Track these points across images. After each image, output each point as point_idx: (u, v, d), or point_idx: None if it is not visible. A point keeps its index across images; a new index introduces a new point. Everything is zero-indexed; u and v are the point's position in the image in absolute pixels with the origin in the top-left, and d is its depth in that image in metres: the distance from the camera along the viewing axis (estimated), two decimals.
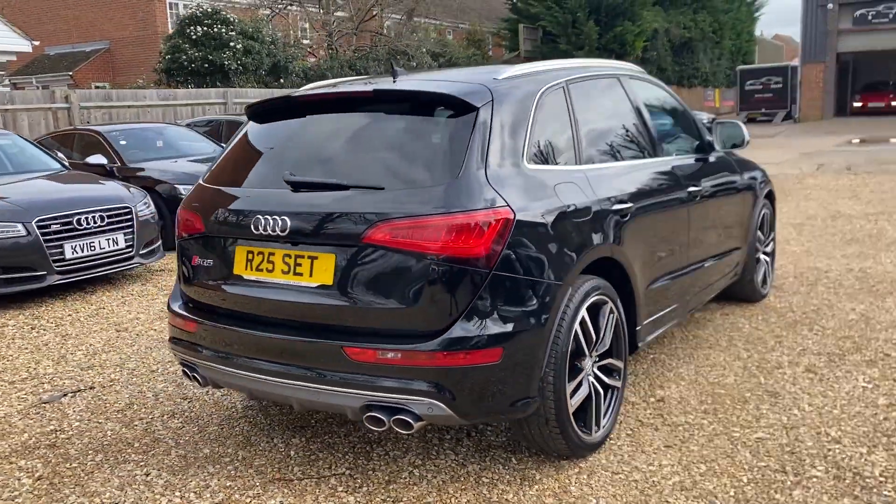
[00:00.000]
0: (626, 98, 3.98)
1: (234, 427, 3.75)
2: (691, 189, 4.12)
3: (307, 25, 27.04)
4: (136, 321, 5.75)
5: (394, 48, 20.66)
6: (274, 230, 2.96)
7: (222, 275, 3.20)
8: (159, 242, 7.44)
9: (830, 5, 29.17)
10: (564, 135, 3.37)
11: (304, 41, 26.36)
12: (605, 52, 29.77)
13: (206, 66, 19.81)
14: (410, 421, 2.75)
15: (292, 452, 3.43)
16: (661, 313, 3.86)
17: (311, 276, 2.92)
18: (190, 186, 4.06)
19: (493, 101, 3.03)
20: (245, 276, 3.11)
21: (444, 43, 28.17)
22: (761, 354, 4.38)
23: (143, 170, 8.94)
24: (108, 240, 6.76)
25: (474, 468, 3.19)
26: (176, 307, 3.43)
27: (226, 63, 19.67)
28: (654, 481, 2.99)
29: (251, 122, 3.54)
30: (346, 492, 3.05)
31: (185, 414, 3.96)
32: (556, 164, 3.27)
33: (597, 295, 3.14)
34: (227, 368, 3.15)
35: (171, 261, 7.78)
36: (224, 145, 4.72)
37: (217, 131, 12.17)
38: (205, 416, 3.90)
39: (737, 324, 4.97)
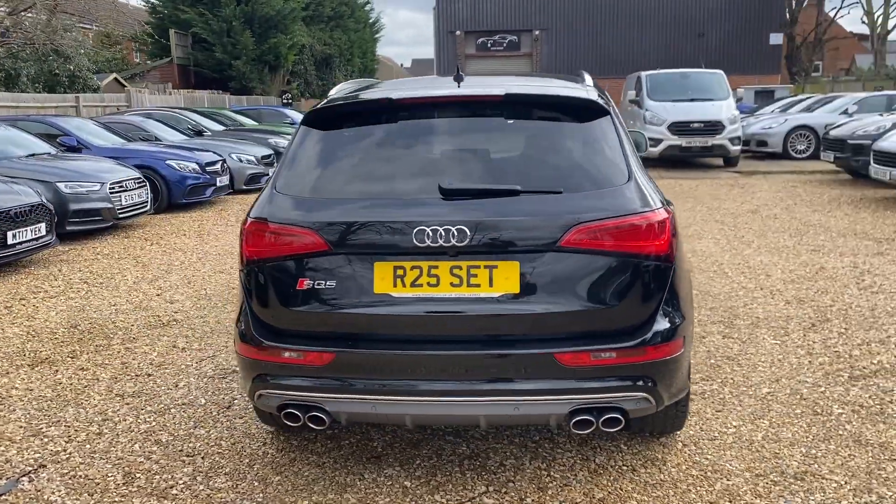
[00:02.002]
0: None
1: (341, 471, 3.30)
2: None
3: None
4: None
5: (49, 48, 17.99)
6: (437, 242, 2.75)
7: (357, 295, 2.84)
8: None
9: (458, 32, 32.91)
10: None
11: None
12: (260, 62, 29.55)
13: None
14: (620, 417, 2.81)
15: (408, 484, 3.17)
16: None
17: (490, 286, 2.78)
18: None
19: (611, 105, 3.20)
20: (394, 295, 2.81)
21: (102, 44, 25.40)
22: None
23: None
24: None
25: (601, 460, 3.31)
26: (278, 341, 2.92)
27: None
28: (745, 440, 3.46)
29: (335, 125, 3.16)
30: None
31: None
32: None
33: None
34: (381, 398, 2.83)
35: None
36: None
37: None
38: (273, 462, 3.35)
39: None
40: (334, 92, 3.53)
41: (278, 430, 3.68)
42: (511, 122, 3.09)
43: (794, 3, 35.60)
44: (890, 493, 3.00)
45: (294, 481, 3.23)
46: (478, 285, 2.79)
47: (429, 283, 2.81)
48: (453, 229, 2.75)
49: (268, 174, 13.86)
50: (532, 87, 3.35)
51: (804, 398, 3.93)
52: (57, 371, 4.66)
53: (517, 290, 2.77)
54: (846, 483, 3.08)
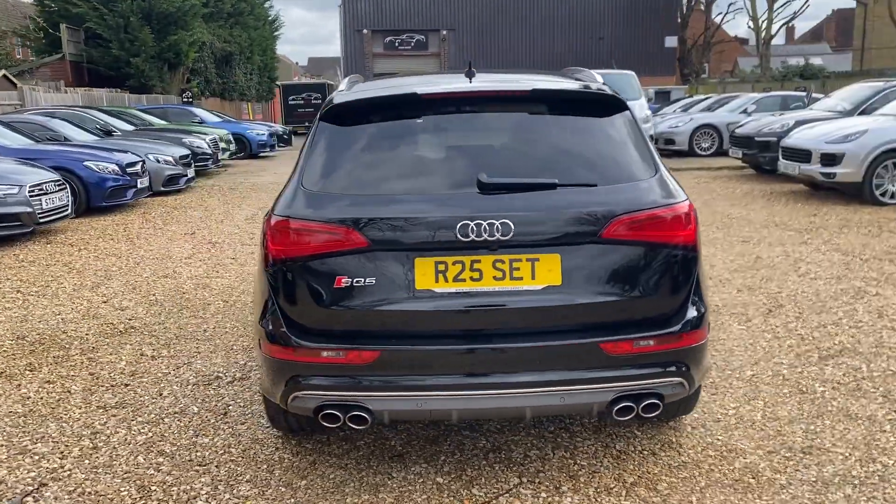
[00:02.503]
0: None
1: (366, 473, 3.23)
2: None
3: None
4: None
5: None
6: (481, 236, 2.76)
7: (399, 292, 2.81)
8: None
9: (365, 31, 32.73)
10: None
11: None
12: (160, 59, 28.39)
13: None
14: (658, 403, 2.90)
15: (440, 480, 3.16)
16: None
17: (533, 278, 2.81)
18: None
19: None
20: (437, 290, 2.81)
21: None
22: None
23: None
24: None
25: (620, 446, 3.41)
26: (315, 341, 2.85)
27: None
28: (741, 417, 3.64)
29: (361, 121, 3.12)
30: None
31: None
32: None
33: None
34: (427, 394, 2.81)
35: None
36: None
37: None
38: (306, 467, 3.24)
39: None
40: (346, 88, 3.46)
41: (287, 434, 3.59)
42: (539, 116, 3.13)
43: (684, 7, 37.31)
44: (891, 462, 3.22)
45: (322, 484, 3.16)
46: (520, 278, 2.81)
47: (472, 278, 2.81)
48: (497, 223, 2.76)
49: (186, 175, 13.40)
50: (551, 83, 3.39)
51: (786, 378, 4.16)
52: (20, 385, 4.36)
53: (559, 282, 2.81)
54: (850, 454, 3.29)
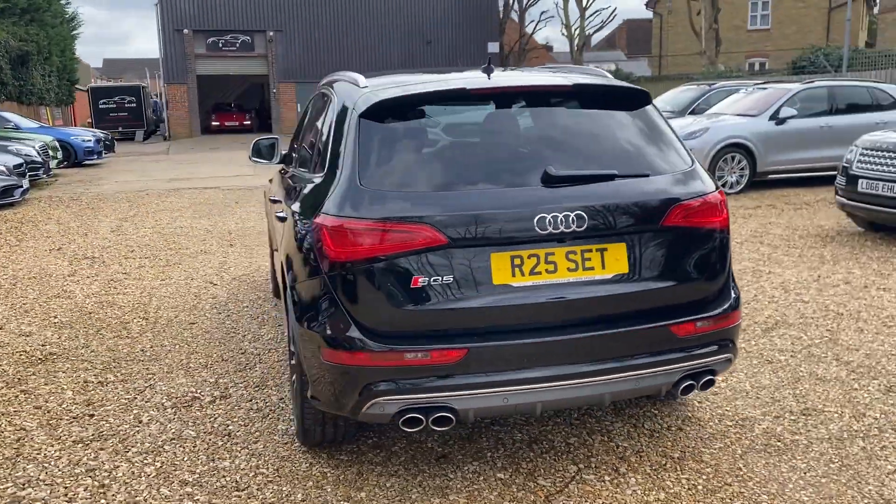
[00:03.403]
0: None
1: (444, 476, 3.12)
2: None
3: None
4: None
5: None
6: (558, 228, 2.81)
7: (477, 288, 2.79)
8: None
9: (186, 31, 31.08)
10: None
11: None
12: None
13: None
14: (713, 378, 3.09)
15: (502, 476, 3.16)
16: None
17: (603, 268, 2.90)
18: None
19: None
20: (514, 284, 2.81)
21: None
22: None
23: None
24: None
25: (649, 426, 3.58)
26: (394, 344, 2.75)
27: None
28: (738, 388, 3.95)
29: (407, 117, 3.05)
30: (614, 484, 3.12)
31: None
32: None
33: None
34: (513, 389, 2.81)
35: None
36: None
37: None
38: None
39: None
40: (378, 87, 3.31)
41: (311, 448, 3.41)
42: (581, 110, 3.21)
43: (500, 14, 38.98)
44: (878, 415, 3.65)
45: (385, 494, 3.05)
46: (592, 268, 2.89)
47: (547, 270, 2.85)
48: (571, 215, 2.82)
49: (22, 186, 12.11)
50: (587, 77, 3.47)
51: (748, 351, 4.55)
52: None
53: (626, 270, 2.92)
54: (843, 412, 3.68)
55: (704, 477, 3.11)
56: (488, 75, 3.36)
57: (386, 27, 32.93)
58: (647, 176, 3.04)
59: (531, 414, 3.55)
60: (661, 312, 2.98)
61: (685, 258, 3.02)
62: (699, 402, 3.82)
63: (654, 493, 3.00)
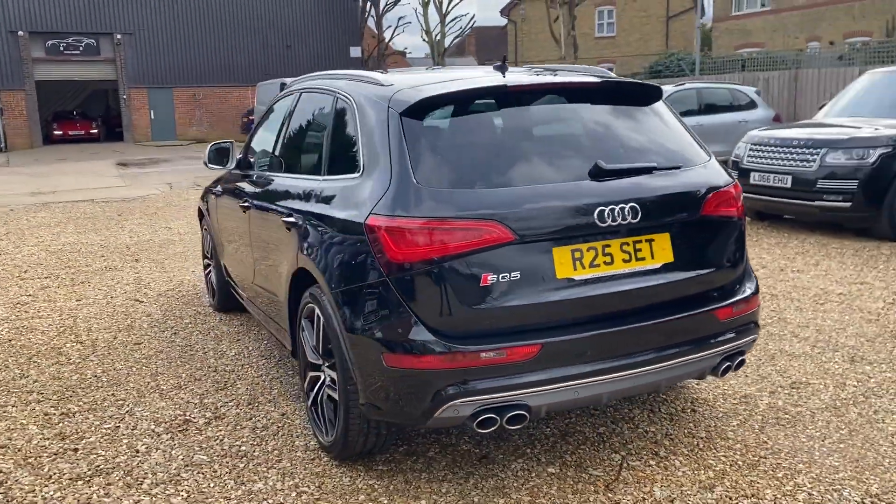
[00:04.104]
0: None
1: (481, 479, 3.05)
2: None
3: None
4: None
5: None
6: (616, 220, 2.87)
7: (542, 283, 2.80)
8: None
9: (21, 33, 28.62)
10: None
11: None
12: None
13: None
14: (744, 359, 3.26)
15: (552, 470, 3.18)
16: None
17: (652, 258, 2.99)
18: None
19: None
20: (576, 278, 2.85)
21: None
22: None
23: None
24: None
25: (666, 410, 3.72)
26: (469, 344, 2.70)
27: None
28: None
29: (451, 114, 3.01)
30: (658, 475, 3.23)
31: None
32: None
33: None
34: (583, 382, 2.83)
35: None
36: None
37: None
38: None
39: None
40: (410, 85, 3.21)
41: (344, 460, 3.28)
42: (609, 106, 3.28)
43: (359, 18, 38.85)
44: (856, 383, 3.98)
45: (446, 498, 2.98)
46: (643, 259, 2.97)
47: (604, 263, 2.90)
48: (626, 207, 2.89)
49: None
50: (608, 75, 3.54)
51: None
52: None
53: (672, 259, 3.02)
54: (826, 383, 3.99)
55: (739, 453, 3.27)
56: (503, 73, 3.38)
57: (245, 30, 31.90)
58: (680, 168, 3.16)
59: (597, 405, 3.59)
60: (704, 298, 3.11)
61: (718, 245, 3.17)
62: (696, 385, 4.01)
63: (702, 472, 3.12)
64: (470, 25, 37.81)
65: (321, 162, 3.52)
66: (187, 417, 3.85)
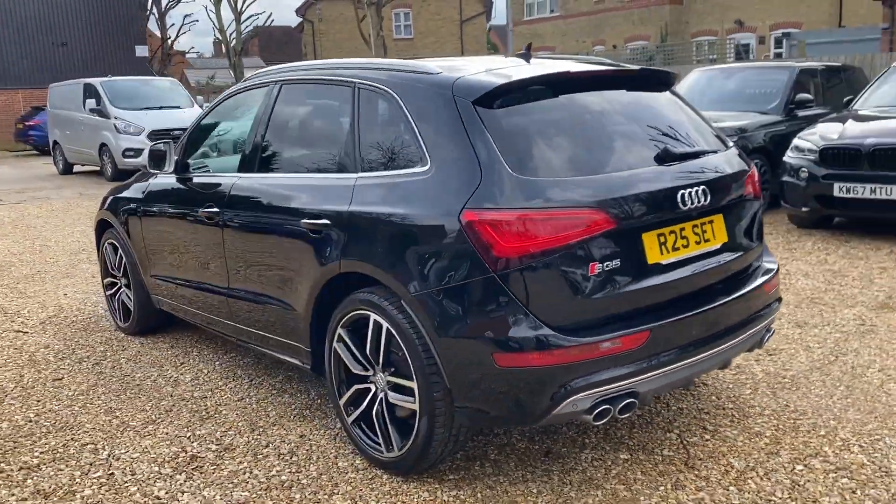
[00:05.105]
0: None
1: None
2: None
3: None
4: None
5: None
6: (695, 204, 2.95)
7: (637, 269, 2.81)
8: None
9: None
10: None
11: None
12: None
13: None
14: (774, 330, 3.48)
15: (624, 456, 3.19)
16: None
17: (714, 238, 3.10)
18: None
19: None
20: (663, 262, 2.88)
21: None
22: None
23: None
24: None
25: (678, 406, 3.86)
26: (584, 336, 2.64)
27: None
28: None
29: (524, 102, 2.92)
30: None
31: None
32: None
33: None
34: (680, 364, 2.87)
35: None
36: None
37: None
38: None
39: None
40: (470, 73, 3.03)
41: (407, 475, 3.06)
42: (646, 93, 3.33)
43: (140, 17, 36.31)
44: (818, 347, 4.39)
45: (541, 498, 2.88)
46: (709, 240, 3.07)
47: (683, 245, 2.97)
48: (699, 190, 2.97)
49: None
50: (611, 63, 3.57)
51: None
52: None
53: (727, 239, 3.16)
54: (794, 348, 4.36)
55: (773, 418, 3.48)
56: (527, 61, 3.33)
57: (8, 26, 28.49)
58: (716, 152, 3.30)
59: (686, 386, 3.60)
60: (753, 274, 3.28)
61: (751, 224, 3.35)
62: None
63: (758, 439, 3.29)
64: (267, 24, 36.63)
65: (350, 158, 3.24)
66: (192, 453, 3.38)
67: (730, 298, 3.06)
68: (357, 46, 38.72)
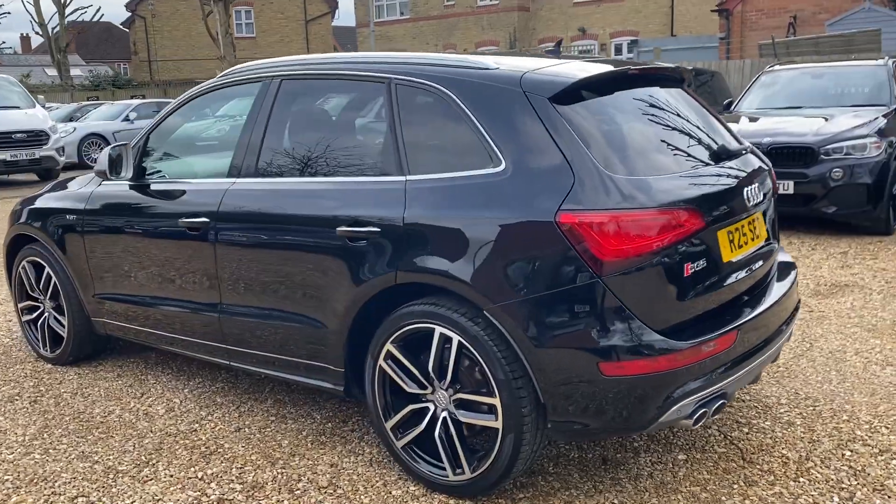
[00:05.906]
0: None
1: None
2: None
3: None
4: None
5: None
6: (755, 200, 3.01)
7: (716, 267, 2.79)
8: None
9: None
10: None
11: None
12: None
13: None
14: None
15: (681, 457, 3.17)
16: None
17: (761, 234, 3.15)
18: None
19: None
20: (733, 260, 2.89)
21: None
22: None
23: None
24: None
25: None
26: (686, 339, 2.58)
27: None
28: None
29: (596, 99, 2.81)
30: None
31: None
32: None
33: None
34: (753, 362, 2.88)
35: None
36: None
37: None
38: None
39: None
40: (536, 70, 2.86)
41: (476, 496, 2.87)
42: (679, 91, 3.31)
43: None
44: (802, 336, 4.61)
45: (621, 500, 2.79)
46: (757, 237, 3.12)
47: (744, 242, 2.99)
48: (756, 187, 3.02)
49: None
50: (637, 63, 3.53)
51: None
52: None
53: (766, 235, 3.22)
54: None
55: (794, 408, 3.59)
56: (557, 56, 3.24)
57: None
58: (748, 150, 3.35)
59: (756, 381, 3.53)
60: (787, 268, 3.36)
61: (775, 219, 3.44)
62: None
63: (794, 429, 3.37)
64: (97, 19, 33.93)
65: (393, 159, 2.97)
66: (217, 496, 2.97)
67: (784, 292, 3.13)
68: (194, 44, 36.87)
